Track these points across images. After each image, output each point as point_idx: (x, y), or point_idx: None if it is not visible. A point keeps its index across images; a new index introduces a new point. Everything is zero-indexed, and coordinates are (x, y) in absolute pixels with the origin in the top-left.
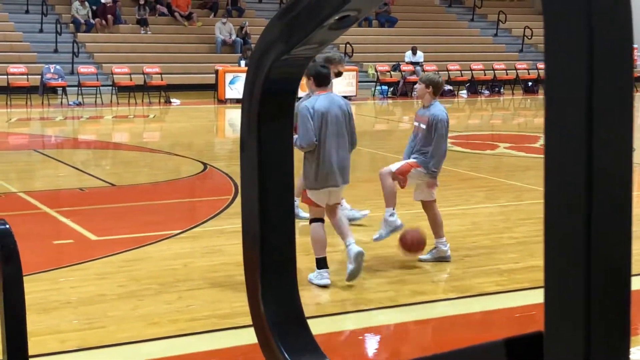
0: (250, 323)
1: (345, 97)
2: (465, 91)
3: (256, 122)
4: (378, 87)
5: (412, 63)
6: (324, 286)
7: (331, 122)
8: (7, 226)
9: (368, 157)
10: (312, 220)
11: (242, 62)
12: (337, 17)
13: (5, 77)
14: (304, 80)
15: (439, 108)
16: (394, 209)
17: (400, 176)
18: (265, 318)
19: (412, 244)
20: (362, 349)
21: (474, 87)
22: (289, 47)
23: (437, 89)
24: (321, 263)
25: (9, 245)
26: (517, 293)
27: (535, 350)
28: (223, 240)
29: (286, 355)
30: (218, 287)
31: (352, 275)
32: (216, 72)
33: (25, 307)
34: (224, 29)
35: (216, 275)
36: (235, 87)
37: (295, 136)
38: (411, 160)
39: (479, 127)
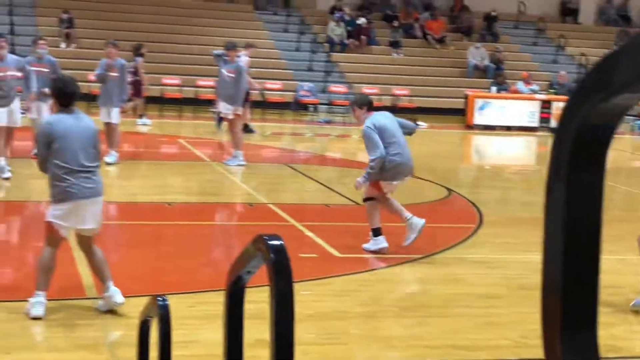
0: (485, 359)
1: None
2: None
3: (566, 170)
4: (637, 122)
5: None
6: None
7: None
8: (282, 242)
9: (623, 196)
10: (367, 199)
11: (494, 88)
12: None
13: (263, 93)
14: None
15: None
16: None
17: None
18: None
19: None
20: None
21: None
22: (610, 94)
23: None
24: (378, 232)
25: (283, 261)
26: None
27: None
28: (464, 270)
29: None
30: (457, 316)
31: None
32: (466, 97)
33: (294, 324)
34: (477, 53)
35: (456, 305)
36: (484, 113)
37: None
38: None
39: None
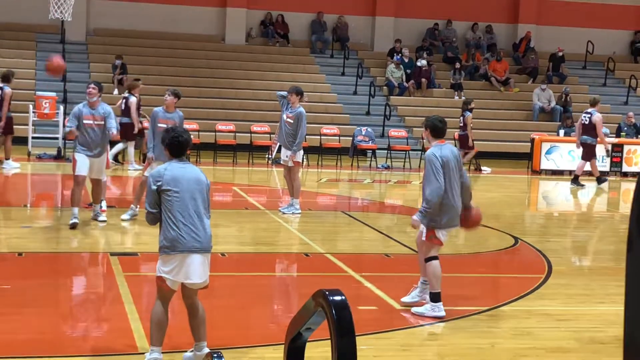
0: None
1: None
2: None
3: None
4: None
5: None
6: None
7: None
8: (344, 297)
9: None
10: (432, 258)
11: (561, 132)
12: None
13: (319, 137)
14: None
15: None
16: None
17: None
18: None
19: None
20: None
21: None
22: None
23: None
24: (437, 297)
25: (346, 318)
26: None
27: None
28: (533, 323)
29: None
30: None
31: None
32: (532, 140)
33: None
34: (542, 95)
35: None
36: (551, 157)
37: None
38: None
39: None
